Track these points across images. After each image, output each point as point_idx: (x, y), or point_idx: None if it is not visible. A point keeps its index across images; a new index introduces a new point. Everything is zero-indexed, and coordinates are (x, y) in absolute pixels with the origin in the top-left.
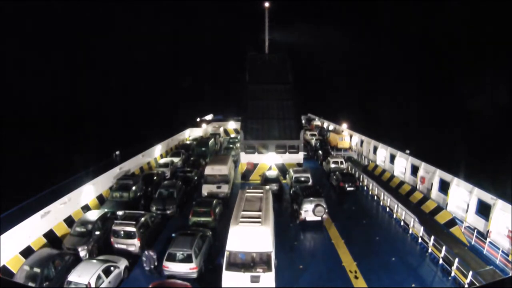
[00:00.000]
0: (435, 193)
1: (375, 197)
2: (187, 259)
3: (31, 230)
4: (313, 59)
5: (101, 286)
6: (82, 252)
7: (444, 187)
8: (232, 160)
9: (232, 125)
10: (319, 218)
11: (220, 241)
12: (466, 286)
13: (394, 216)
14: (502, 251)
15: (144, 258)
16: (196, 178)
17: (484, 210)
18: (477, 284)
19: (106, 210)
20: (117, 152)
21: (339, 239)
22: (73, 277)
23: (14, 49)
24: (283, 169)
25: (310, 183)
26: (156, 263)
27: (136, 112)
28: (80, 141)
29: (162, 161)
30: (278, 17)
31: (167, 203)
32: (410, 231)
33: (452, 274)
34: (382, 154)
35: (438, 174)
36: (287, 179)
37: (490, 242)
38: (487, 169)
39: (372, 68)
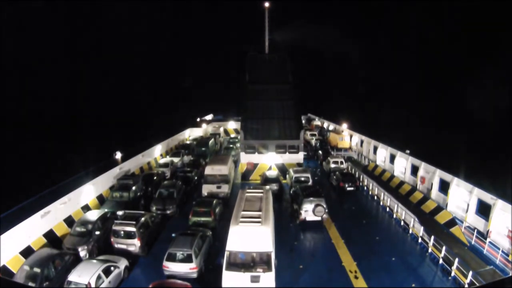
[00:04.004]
0: (435, 193)
1: (375, 197)
2: (187, 259)
3: (31, 230)
4: (313, 59)
5: (101, 286)
6: (82, 252)
7: (444, 187)
8: (232, 160)
9: (232, 125)
10: (319, 218)
11: (220, 241)
12: (466, 286)
13: (394, 216)
14: (502, 251)
15: None
16: (196, 178)
17: (484, 210)
18: (477, 284)
19: (106, 210)
20: (117, 152)
21: (339, 239)
22: (73, 277)
23: (13, 48)
24: (283, 169)
25: (310, 183)
26: None
27: (136, 112)
28: (80, 141)
29: (162, 161)
30: (278, 17)
31: (167, 203)
32: (410, 231)
33: (452, 274)
34: (382, 154)
35: (438, 174)
36: (287, 179)
37: (490, 242)
38: (487, 169)
39: (372, 67)
